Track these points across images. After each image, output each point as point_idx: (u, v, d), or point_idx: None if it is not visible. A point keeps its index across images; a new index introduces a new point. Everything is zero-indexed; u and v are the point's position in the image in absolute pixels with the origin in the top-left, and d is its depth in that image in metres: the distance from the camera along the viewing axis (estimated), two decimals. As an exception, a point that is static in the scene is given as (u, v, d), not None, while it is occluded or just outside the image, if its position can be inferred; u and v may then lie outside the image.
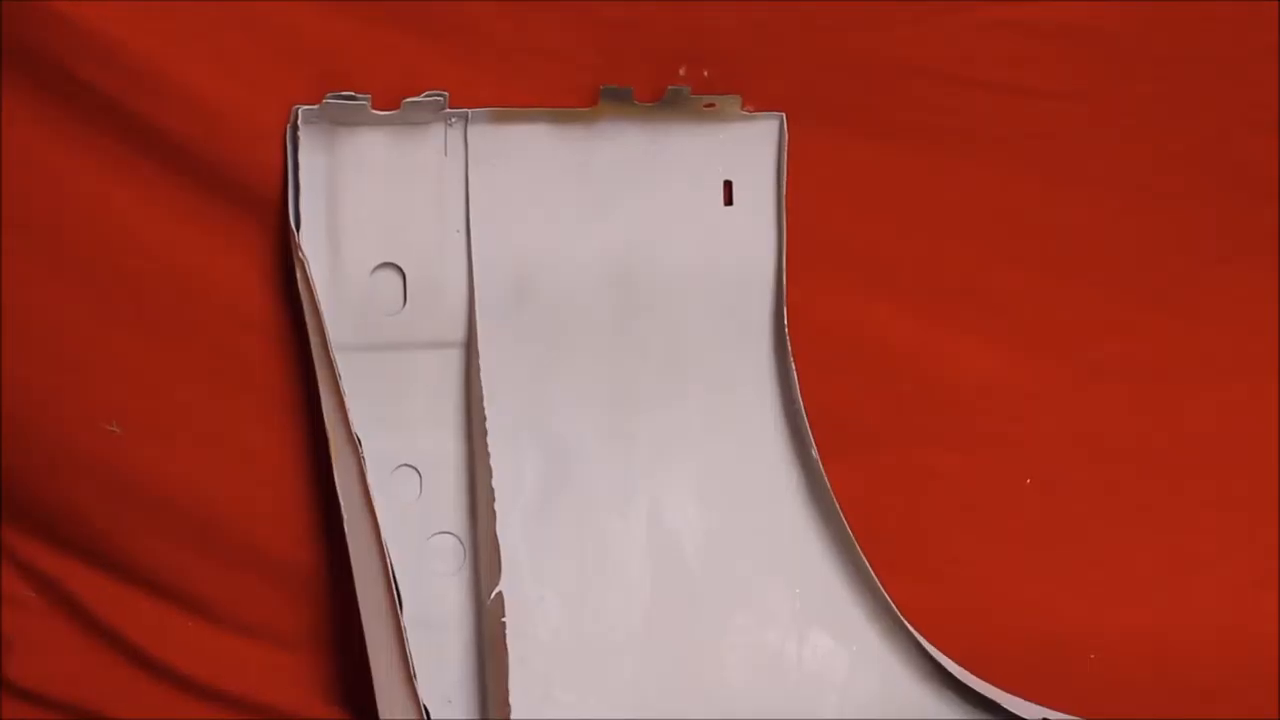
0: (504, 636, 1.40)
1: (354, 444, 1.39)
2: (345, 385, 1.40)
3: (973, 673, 1.54)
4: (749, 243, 1.55)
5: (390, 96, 1.44)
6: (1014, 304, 1.62)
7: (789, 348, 1.55)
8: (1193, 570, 1.68)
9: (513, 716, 1.37)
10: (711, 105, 1.51)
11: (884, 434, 1.61)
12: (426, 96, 1.44)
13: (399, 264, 1.47)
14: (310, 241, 1.44)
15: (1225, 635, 1.66)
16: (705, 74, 1.51)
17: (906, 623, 1.54)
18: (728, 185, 1.55)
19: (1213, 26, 1.57)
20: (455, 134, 1.48)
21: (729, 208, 1.55)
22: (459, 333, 1.49)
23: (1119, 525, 1.66)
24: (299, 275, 1.43)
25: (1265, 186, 1.63)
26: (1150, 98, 1.58)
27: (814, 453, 1.54)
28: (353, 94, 1.42)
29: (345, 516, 1.41)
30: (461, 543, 1.49)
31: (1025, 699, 1.55)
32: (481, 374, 1.46)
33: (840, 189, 1.56)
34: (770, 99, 1.53)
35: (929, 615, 1.56)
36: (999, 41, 1.54)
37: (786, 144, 1.54)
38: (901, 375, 1.61)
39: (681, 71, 1.50)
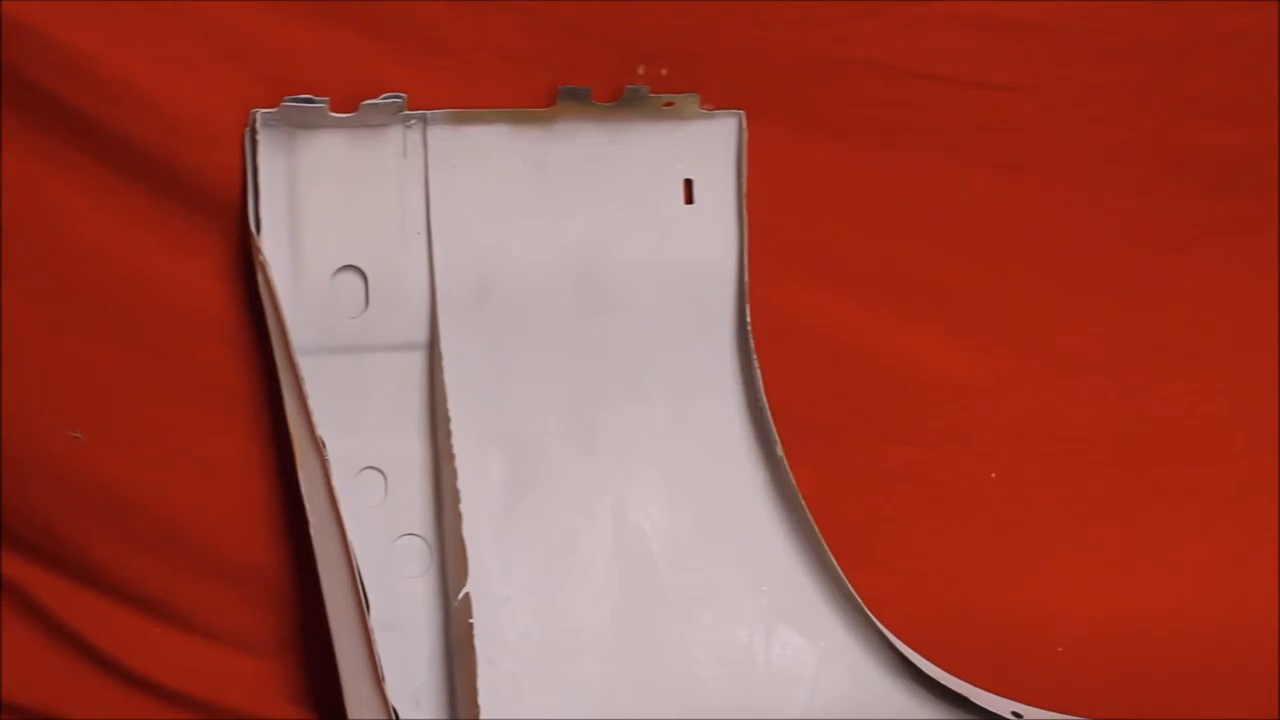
0: (471, 637, 1.40)
1: (318, 447, 1.39)
2: (308, 389, 1.40)
3: (941, 667, 1.54)
4: (710, 241, 1.55)
5: (349, 99, 1.44)
6: (974, 297, 1.63)
7: (752, 345, 1.55)
8: (1158, 560, 1.68)
9: (481, 717, 1.37)
10: (670, 104, 1.52)
11: (848, 429, 1.62)
12: (385, 99, 1.44)
13: (360, 266, 1.48)
14: (271, 245, 1.44)
15: (1191, 625, 1.66)
16: (663, 73, 1.51)
17: (874, 618, 1.54)
18: (688, 184, 1.55)
19: (1160, 17, 1.58)
20: (414, 136, 1.48)
21: (689, 206, 1.55)
22: (421, 334, 1.49)
23: (1083, 516, 1.67)
24: (260, 279, 1.43)
25: (1216, 173, 1.64)
26: (1099, 89, 1.59)
27: (778, 450, 1.54)
28: (311, 97, 1.42)
29: (311, 520, 1.41)
30: (428, 544, 1.49)
31: (994, 693, 1.55)
32: (445, 375, 1.47)
33: (800, 185, 1.57)
34: (728, 96, 1.53)
35: (897, 610, 1.56)
36: (949, 35, 1.54)
37: (746, 141, 1.54)
38: (865, 371, 1.61)
39: (640, 70, 1.51)
